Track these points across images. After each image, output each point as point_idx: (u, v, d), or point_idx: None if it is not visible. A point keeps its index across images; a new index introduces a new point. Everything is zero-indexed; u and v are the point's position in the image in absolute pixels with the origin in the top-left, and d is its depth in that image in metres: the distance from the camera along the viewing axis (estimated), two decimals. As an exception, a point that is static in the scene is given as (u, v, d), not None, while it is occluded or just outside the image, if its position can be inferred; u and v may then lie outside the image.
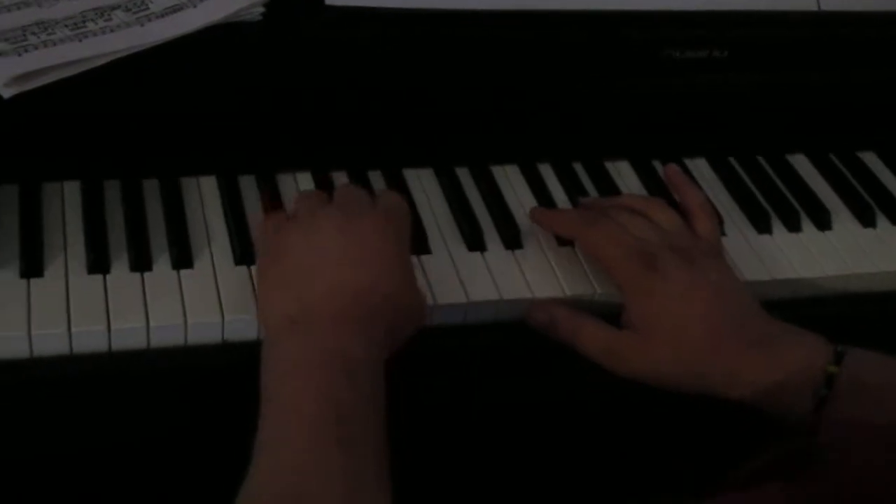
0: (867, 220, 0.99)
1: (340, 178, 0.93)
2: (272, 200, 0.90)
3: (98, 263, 0.82)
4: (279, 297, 0.77)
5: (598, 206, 0.91)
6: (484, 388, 0.91)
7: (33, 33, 0.81)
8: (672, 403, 0.83)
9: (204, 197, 0.90)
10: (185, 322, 0.80)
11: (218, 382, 0.83)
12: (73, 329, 0.78)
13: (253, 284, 0.83)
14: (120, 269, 0.83)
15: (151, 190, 0.90)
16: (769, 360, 0.79)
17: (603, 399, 0.92)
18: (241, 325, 0.81)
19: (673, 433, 0.99)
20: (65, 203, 0.87)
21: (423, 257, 0.88)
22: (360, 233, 0.79)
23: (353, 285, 0.76)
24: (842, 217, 1.00)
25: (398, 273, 0.79)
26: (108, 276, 0.82)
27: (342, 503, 0.66)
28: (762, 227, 0.97)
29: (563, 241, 0.91)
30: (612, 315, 0.84)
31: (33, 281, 0.81)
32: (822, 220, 0.98)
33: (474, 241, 0.90)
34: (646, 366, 0.81)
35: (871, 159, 1.07)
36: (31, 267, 0.81)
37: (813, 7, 1.01)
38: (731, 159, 1.04)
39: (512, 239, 0.90)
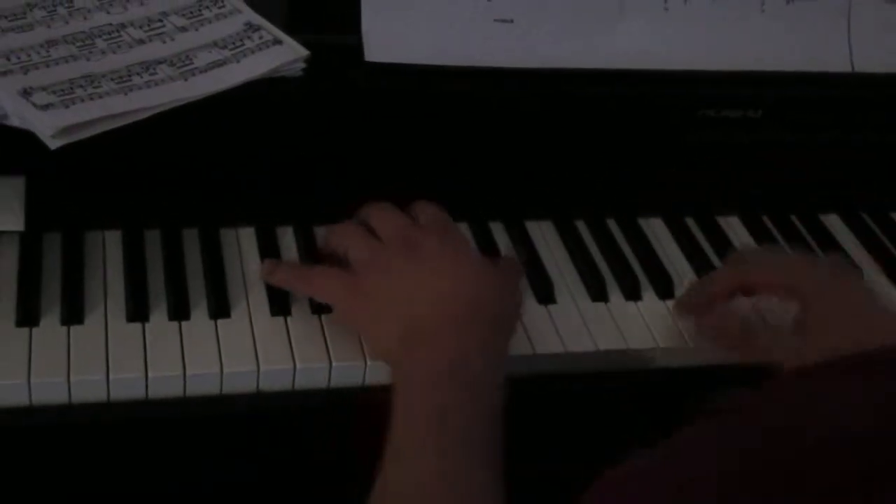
0: (901, 281, 1.00)
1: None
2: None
3: (137, 312, 0.84)
4: (384, 328, 0.80)
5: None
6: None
7: (80, 86, 0.83)
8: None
9: (242, 247, 0.91)
10: (221, 371, 0.81)
11: (252, 431, 0.84)
12: (112, 376, 0.79)
13: (289, 334, 0.84)
14: (158, 317, 0.84)
15: (191, 240, 0.91)
16: None
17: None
18: (276, 376, 0.82)
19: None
20: (106, 252, 0.89)
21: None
22: (430, 256, 0.82)
23: (449, 294, 0.80)
24: (874, 277, 1.00)
25: (476, 273, 0.82)
26: (146, 325, 0.83)
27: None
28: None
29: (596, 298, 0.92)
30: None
31: (73, 328, 0.82)
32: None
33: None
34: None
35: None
36: (73, 314, 0.83)
37: (847, 68, 1.02)
38: (765, 218, 1.04)
39: (545, 293, 0.91)
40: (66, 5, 0.91)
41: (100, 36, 0.88)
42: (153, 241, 0.90)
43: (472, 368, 0.76)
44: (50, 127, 0.79)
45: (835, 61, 1.02)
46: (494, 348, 0.79)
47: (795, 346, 0.82)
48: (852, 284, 0.87)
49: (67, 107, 0.81)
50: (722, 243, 1.00)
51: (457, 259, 0.83)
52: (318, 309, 0.86)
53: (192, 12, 0.92)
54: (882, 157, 1.06)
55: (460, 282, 0.81)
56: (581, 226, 0.99)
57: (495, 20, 0.95)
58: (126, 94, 0.83)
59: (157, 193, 0.90)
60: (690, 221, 1.02)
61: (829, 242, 1.03)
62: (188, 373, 0.80)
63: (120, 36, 0.89)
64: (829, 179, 1.05)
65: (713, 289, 0.88)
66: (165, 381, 0.80)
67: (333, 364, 0.83)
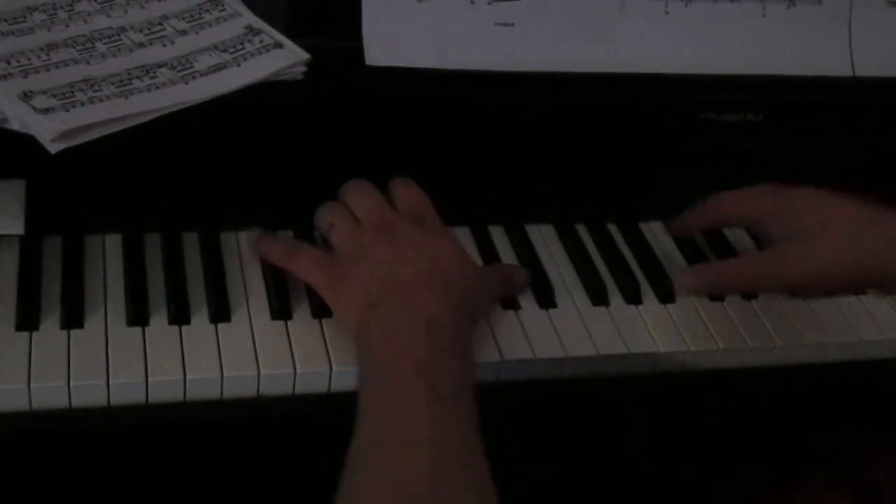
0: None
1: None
2: None
3: (137, 316, 0.83)
4: (355, 296, 0.82)
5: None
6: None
7: (80, 90, 0.83)
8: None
9: (243, 252, 0.91)
10: (222, 376, 0.81)
11: (252, 435, 0.84)
12: (112, 381, 0.79)
13: (289, 339, 0.84)
14: (159, 321, 0.84)
15: (191, 243, 0.91)
16: None
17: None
18: (277, 380, 0.82)
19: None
20: (106, 256, 0.89)
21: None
22: (408, 238, 0.85)
23: (417, 265, 0.82)
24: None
25: (451, 247, 0.86)
26: (146, 329, 0.83)
27: (431, 446, 0.70)
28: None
29: (597, 302, 0.92)
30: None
31: (73, 332, 0.82)
32: (857, 286, 0.98)
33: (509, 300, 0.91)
34: (806, 263, 0.86)
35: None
36: (73, 318, 0.82)
37: (848, 73, 1.02)
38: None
39: (546, 297, 0.91)
40: (67, 9, 0.90)
41: (100, 39, 0.88)
42: (153, 245, 0.90)
43: (445, 327, 0.78)
44: (50, 130, 0.79)
45: (836, 65, 1.02)
46: (466, 319, 0.81)
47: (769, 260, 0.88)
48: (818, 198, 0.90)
49: (67, 110, 0.81)
50: (722, 247, 1.00)
51: (432, 240, 0.86)
52: (319, 313, 0.86)
53: (192, 16, 0.92)
54: (883, 161, 1.05)
55: (433, 257, 0.84)
56: (582, 230, 0.99)
57: (496, 24, 0.95)
58: (126, 97, 0.83)
59: (158, 197, 0.90)
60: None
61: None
62: (188, 377, 0.80)
63: (120, 39, 0.89)
64: (830, 184, 1.04)
65: (698, 219, 0.97)
66: (166, 386, 0.80)
67: (334, 368, 0.82)
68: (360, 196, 0.88)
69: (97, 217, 0.90)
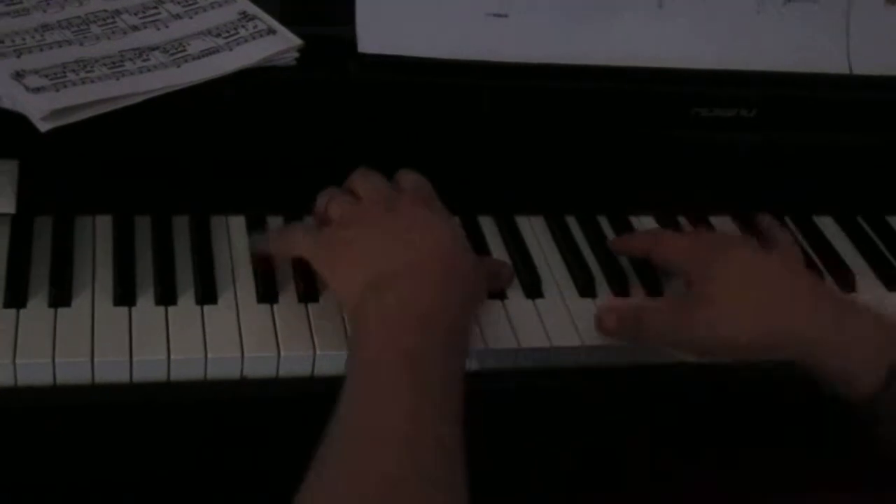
0: (893, 284, 0.99)
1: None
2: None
3: (124, 296, 0.84)
4: (353, 273, 0.80)
5: None
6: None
7: (72, 70, 0.83)
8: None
9: (232, 235, 0.92)
10: (206, 357, 0.81)
11: (235, 418, 0.85)
12: (97, 359, 0.80)
13: (274, 322, 0.84)
14: (145, 302, 0.84)
15: (181, 226, 0.91)
16: (845, 321, 0.81)
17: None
18: (261, 363, 0.82)
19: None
20: (96, 236, 0.89)
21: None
22: (407, 213, 0.82)
23: (424, 248, 0.80)
24: (866, 279, 1.00)
25: (453, 233, 0.84)
26: (133, 309, 0.84)
27: (405, 444, 0.69)
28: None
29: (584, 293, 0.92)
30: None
31: (60, 310, 0.82)
32: (847, 282, 0.98)
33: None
34: (717, 332, 0.82)
35: (898, 224, 1.08)
36: (60, 297, 0.83)
37: (844, 70, 1.02)
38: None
39: (533, 288, 0.92)
40: (63, -9, 0.91)
41: (94, 21, 0.89)
42: (143, 227, 0.91)
43: (441, 321, 0.76)
44: (40, 110, 0.80)
45: (832, 62, 1.02)
46: (461, 312, 0.79)
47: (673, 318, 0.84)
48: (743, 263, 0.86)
49: (59, 90, 0.81)
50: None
51: (433, 219, 0.83)
52: (305, 297, 0.86)
53: (187, 0, 0.93)
54: (878, 159, 1.05)
55: (435, 239, 0.81)
56: (572, 222, 0.99)
57: (489, 15, 0.95)
58: (118, 79, 0.84)
59: (148, 180, 0.90)
60: (683, 220, 1.02)
61: (822, 244, 1.02)
62: (172, 357, 0.81)
63: (114, 22, 0.89)
64: (823, 181, 1.05)
65: (630, 246, 0.95)
66: (150, 365, 0.80)
67: (318, 353, 0.83)
68: (362, 177, 0.86)
69: (88, 198, 0.90)
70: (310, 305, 0.86)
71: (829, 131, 1.03)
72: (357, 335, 0.77)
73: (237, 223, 0.93)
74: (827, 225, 1.05)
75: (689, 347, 0.84)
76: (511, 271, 0.92)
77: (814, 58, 1.02)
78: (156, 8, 0.91)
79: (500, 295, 0.90)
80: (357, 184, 0.86)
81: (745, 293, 0.83)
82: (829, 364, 0.80)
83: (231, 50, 0.89)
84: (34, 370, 0.79)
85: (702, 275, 0.85)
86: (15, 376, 0.79)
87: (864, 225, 1.06)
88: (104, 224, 0.90)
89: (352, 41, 0.91)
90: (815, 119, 1.02)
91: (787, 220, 1.05)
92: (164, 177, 0.91)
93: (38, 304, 0.83)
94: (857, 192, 1.06)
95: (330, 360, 0.83)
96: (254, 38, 0.90)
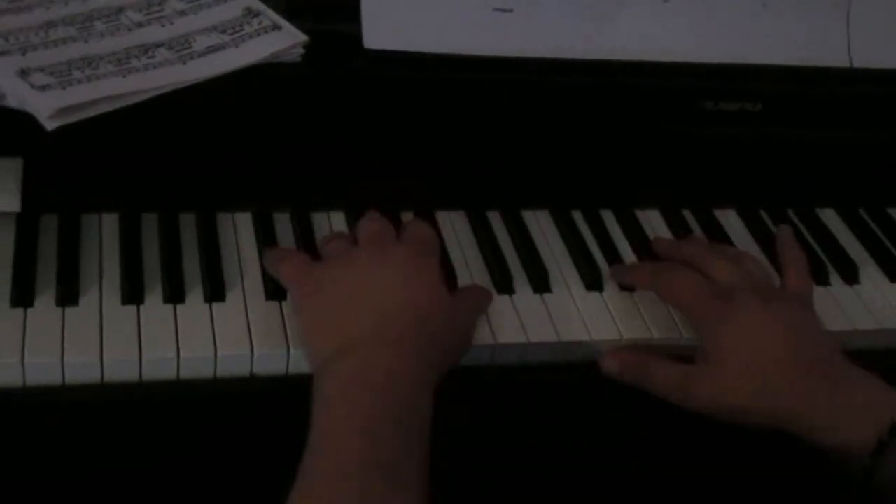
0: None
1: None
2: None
3: (132, 295, 0.84)
4: (324, 331, 0.79)
5: (683, 249, 0.94)
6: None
7: (78, 68, 0.83)
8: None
9: (238, 233, 0.92)
10: (216, 354, 0.81)
11: (244, 415, 0.85)
12: (105, 358, 0.79)
13: (283, 319, 0.84)
14: (154, 300, 0.84)
15: (188, 223, 0.91)
16: (836, 397, 0.81)
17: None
18: (270, 359, 0.82)
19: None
20: (102, 234, 0.89)
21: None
22: (395, 263, 0.82)
23: (395, 310, 0.79)
24: (870, 272, 1.00)
25: (437, 297, 0.82)
26: (141, 308, 0.83)
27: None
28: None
29: (591, 287, 0.92)
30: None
31: (68, 309, 0.82)
32: (850, 274, 0.98)
33: (504, 284, 0.91)
34: (716, 397, 0.83)
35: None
36: (68, 296, 0.83)
37: (845, 63, 1.02)
38: (762, 212, 1.04)
39: (541, 282, 0.92)
40: (66, -13, 0.91)
41: (99, 18, 0.89)
42: (150, 225, 0.90)
43: (408, 388, 0.75)
44: (47, 108, 0.79)
45: (833, 56, 1.03)
46: (427, 368, 0.78)
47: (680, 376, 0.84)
48: (753, 323, 0.84)
49: (65, 88, 0.81)
50: (718, 236, 1.00)
51: (416, 276, 0.82)
52: (314, 294, 0.86)
53: (191, -4, 0.92)
54: (879, 153, 1.06)
55: (410, 297, 0.80)
56: (578, 216, 0.99)
57: (494, 9, 0.95)
58: (124, 76, 0.83)
59: (155, 177, 0.90)
60: (687, 214, 1.02)
61: (826, 238, 1.03)
62: (182, 355, 0.80)
63: (119, 19, 0.89)
64: (826, 174, 1.05)
65: (632, 277, 0.93)
66: (160, 364, 0.80)
67: (326, 349, 0.83)
68: (368, 221, 0.87)
69: (94, 196, 0.90)
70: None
71: (832, 125, 1.03)
72: (320, 394, 0.76)
73: (244, 220, 0.93)
74: (830, 218, 1.06)
75: (691, 408, 0.84)
76: (488, 294, 0.90)
77: (815, 51, 1.02)
78: (160, 5, 0.91)
79: (509, 290, 0.90)
80: (360, 226, 0.87)
81: (748, 369, 0.82)
82: (824, 440, 0.81)
83: (237, 47, 0.88)
84: (43, 369, 0.78)
85: (707, 335, 0.85)
86: (23, 376, 0.78)
87: (867, 217, 1.06)
88: (111, 222, 0.90)
89: (357, 37, 0.91)
90: (817, 113, 1.02)
91: (791, 213, 1.05)
92: (169, 174, 0.90)
93: (45, 303, 0.82)
94: (860, 184, 1.07)
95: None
96: (259, 35, 0.89)
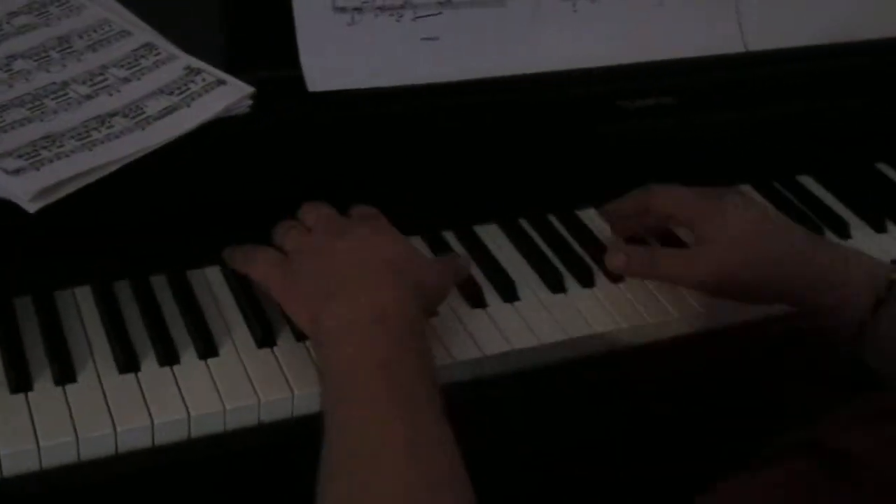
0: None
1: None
2: None
3: (128, 363, 0.84)
4: (312, 312, 0.81)
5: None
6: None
7: (44, 147, 0.83)
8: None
9: (213, 286, 0.93)
10: (224, 408, 0.83)
11: (255, 464, 0.86)
12: (119, 429, 0.80)
13: (280, 365, 0.86)
14: (149, 365, 0.85)
15: (160, 285, 0.92)
16: (834, 258, 0.91)
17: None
18: (277, 406, 0.84)
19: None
20: (80, 308, 0.89)
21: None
22: (354, 233, 0.86)
23: (372, 270, 0.82)
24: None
25: (403, 247, 0.87)
26: (139, 374, 0.84)
27: (406, 452, 0.71)
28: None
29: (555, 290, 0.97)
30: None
31: (69, 387, 0.82)
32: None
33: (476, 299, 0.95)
34: (715, 272, 0.90)
35: (808, 182, 1.16)
36: (65, 374, 0.83)
37: (740, 48, 1.10)
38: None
39: (509, 291, 0.96)
40: (5, 69, 0.90)
41: (46, 96, 0.88)
42: (124, 291, 0.91)
43: (402, 319, 0.79)
44: (25, 192, 0.79)
45: (728, 44, 1.10)
46: (417, 312, 0.81)
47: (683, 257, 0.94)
48: (738, 207, 0.93)
49: (38, 169, 0.81)
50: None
51: (381, 235, 0.87)
52: (303, 336, 0.88)
53: (129, 63, 0.93)
54: (786, 126, 1.14)
55: (383, 250, 0.85)
56: (525, 224, 1.04)
57: (422, 39, 0.99)
58: (90, 149, 0.84)
59: (121, 244, 0.90)
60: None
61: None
62: (192, 414, 0.82)
63: (66, 94, 0.89)
64: (740, 151, 1.12)
65: (624, 206, 1.01)
66: (171, 426, 0.81)
67: (329, 386, 0.85)
68: (311, 208, 0.90)
69: (64, 271, 0.90)
70: (307, 342, 0.88)
71: (740, 107, 1.11)
72: (323, 354, 0.80)
73: (214, 273, 0.94)
74: (748, 192, 1.13)
75: (699, 287, 0.93)
76: (466, 260, 0.96)
77: (711, 41, 1.10)
78: (102, 74, 0.91)
79: (482, 303, 0.94)
80: (307, 215, 0.90)
81: (747, 235, 0.91)
82: (824, 298, 0.89)
83: (188, 105, 0.89)
84: (59, 450, 0.78)
85: (699, 225, 0.93)
86: (40, 460, 0.78)
87: (780, 187, 1.14)
88: (84, 295, 0.90)
89: (300, 80, 0.93)
90: (725, 97, 1.09)
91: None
92: (137, 239, 0.91)
93: (44, 384, 0.82)
94: (772, 158, 1.14)
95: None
96: (206, 91, 0.91)
